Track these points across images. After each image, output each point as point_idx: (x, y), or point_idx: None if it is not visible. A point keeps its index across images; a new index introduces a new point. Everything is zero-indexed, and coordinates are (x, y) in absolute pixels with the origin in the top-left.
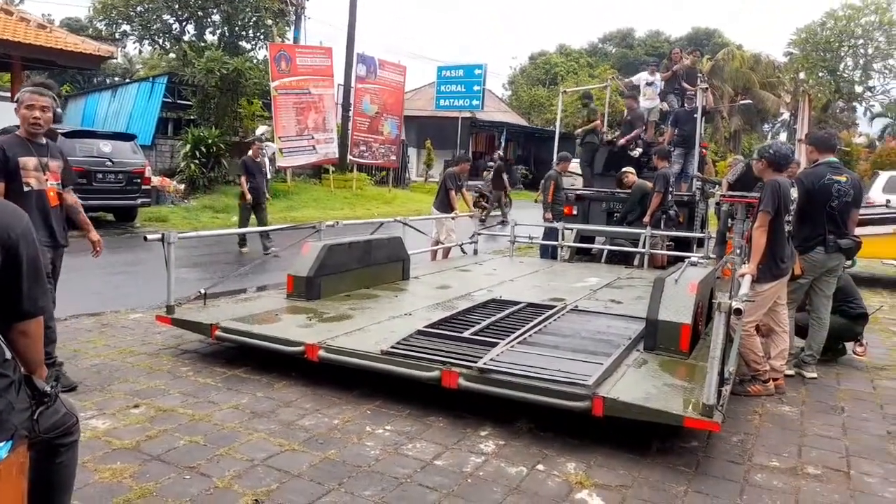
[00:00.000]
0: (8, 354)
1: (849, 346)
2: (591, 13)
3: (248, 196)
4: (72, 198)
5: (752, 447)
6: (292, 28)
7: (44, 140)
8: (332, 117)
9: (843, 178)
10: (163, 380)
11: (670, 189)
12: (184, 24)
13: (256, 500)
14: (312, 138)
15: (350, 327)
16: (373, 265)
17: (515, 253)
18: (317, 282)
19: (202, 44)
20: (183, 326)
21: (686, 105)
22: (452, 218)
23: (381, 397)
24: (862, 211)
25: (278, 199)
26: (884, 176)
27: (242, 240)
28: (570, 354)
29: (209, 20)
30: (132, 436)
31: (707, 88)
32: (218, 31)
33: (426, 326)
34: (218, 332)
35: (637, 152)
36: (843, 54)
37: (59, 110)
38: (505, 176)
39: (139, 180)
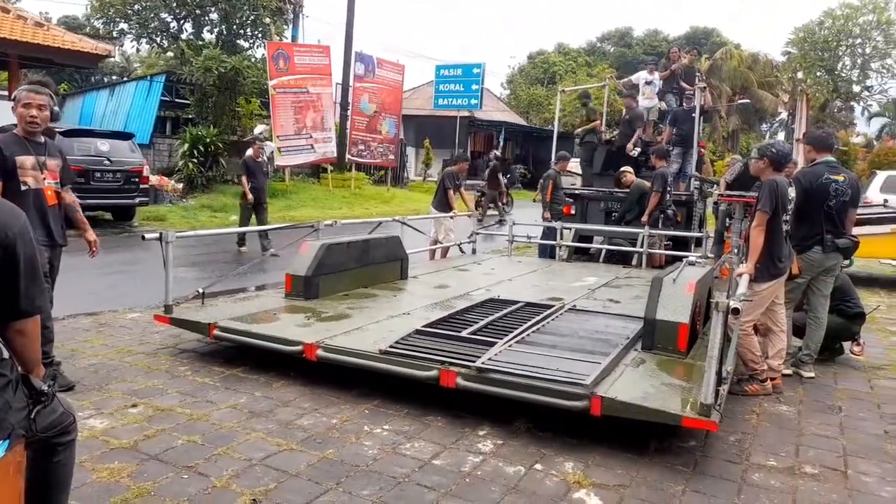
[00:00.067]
0: (5, 353)
1: (846, 345)
2: (589, 12)
3: (250, 196)
4: (70, 197)
5: (749, 447)
6: (290, 26)
7: (42, 139)
8: (331, 116)
9: (840, 178)
10: (161, 379)
11: (668, 188)
12: (181, 22)
13: (254, 499)
14: (311, 137)
15: (348, 326)
16: (371, 264)
17: (514, 252)
18: (315, 281)
19: (200, 42)
20: (181, 326)
21: (684, 104)
22: (451, 217)
23: (379, 397)
24: (859, 210)
25: (276, 199)
26: (881, 175)
27: (241, 239)
28: (569, 354)
29: (207, 18)
30: (130, 435)
31: (705, 88)
32: (216, 30)
33: (424, 326)
34: (216, 332)
35: (635, 152)
36: (840, 54)
37: (56, 109)
38: (500, 176)
39: (137, 179)
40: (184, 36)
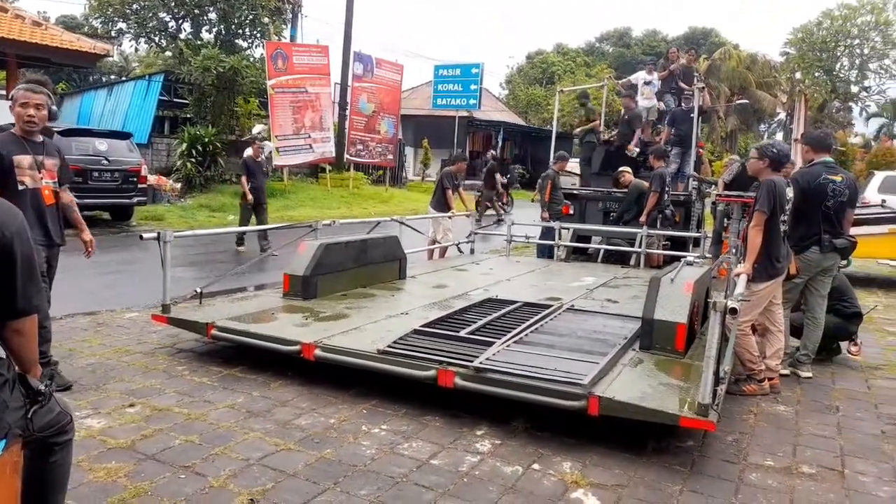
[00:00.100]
0: (2, 353)
1: (843, 345)
2: (588, 13)
3: (250, 196)
4: (67, 196)
5: (747, 446)
6: (289, 26)
7: (40, 138)
8: (329, 116)
9: (838, 178)
10: (158, 379)
11: (667, 188)
12: (180, 21)
13: (252, 499)
14: (309, 137)
15: (346, 326)
16: (369, 264)
17: (512, 252)
18: (313, 281)
19: (198, 42)
20: (179, 325)
21: (683, 104)
22: (449, 217)
23: (377, 396)
24: (857, 211)
25: (275, 198)
26: (879, 176)
27: (240, 239)
28: (567, 354)
29: (205, 18)
30: (127, 435)
31: (704, 88)
32: (214, 30)
33: (422, 325)
34: (214, 332)
35: (635, 152)
36: (839, 54)
37: (54, 108)
38: (498, 176)
39: (135, 179)
40: (182, 35)
